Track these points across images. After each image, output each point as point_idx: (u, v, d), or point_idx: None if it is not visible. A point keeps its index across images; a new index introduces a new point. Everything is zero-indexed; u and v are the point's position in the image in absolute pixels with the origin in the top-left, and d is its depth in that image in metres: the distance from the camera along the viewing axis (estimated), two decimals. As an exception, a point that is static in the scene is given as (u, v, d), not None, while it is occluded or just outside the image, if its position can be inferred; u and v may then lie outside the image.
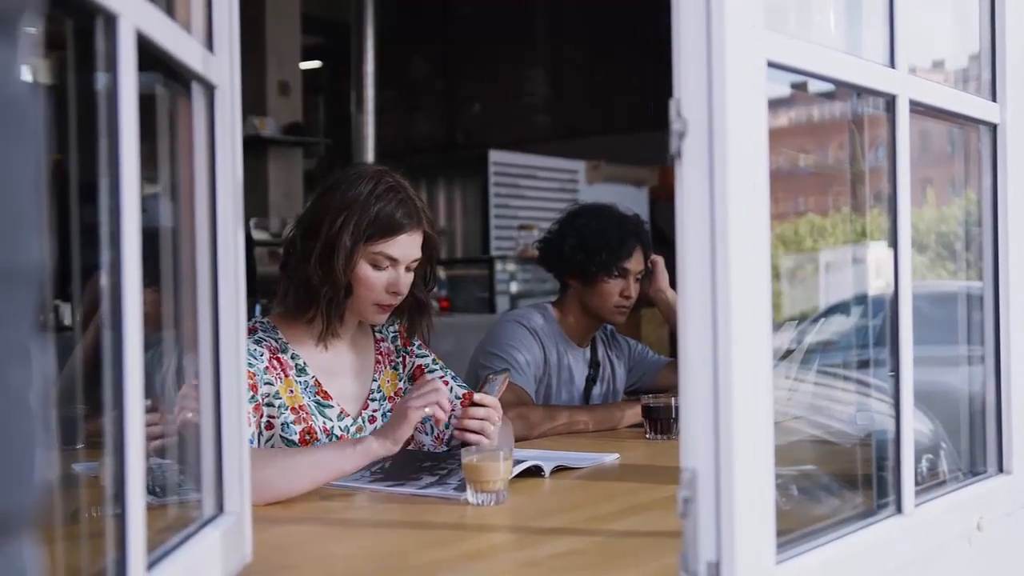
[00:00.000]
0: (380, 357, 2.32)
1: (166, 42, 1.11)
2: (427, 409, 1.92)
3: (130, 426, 0.98)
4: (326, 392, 2.18)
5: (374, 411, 2.26)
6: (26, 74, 0.57)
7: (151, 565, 1.06)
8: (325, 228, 2.10)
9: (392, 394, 2.31)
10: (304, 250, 2.13)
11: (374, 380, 2.29)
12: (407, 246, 2.15)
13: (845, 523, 1.40)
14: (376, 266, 2.14)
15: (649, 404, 2.61)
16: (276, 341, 2.16)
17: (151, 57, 1.08)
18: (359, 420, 2.22)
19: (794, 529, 1.30)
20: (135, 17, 0.99)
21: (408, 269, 2.18)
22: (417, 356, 2.37)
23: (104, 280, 0.98)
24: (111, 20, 0.96)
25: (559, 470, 2.12)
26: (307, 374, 2.17)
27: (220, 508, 1.33)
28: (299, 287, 2.15)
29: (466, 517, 1.75)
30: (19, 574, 0.56)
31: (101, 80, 0.98)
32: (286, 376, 2.13)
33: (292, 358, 2.17)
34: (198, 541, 1.22)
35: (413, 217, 2.15)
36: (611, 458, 2.28)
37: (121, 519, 0.97)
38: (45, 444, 0.58)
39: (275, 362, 2.12)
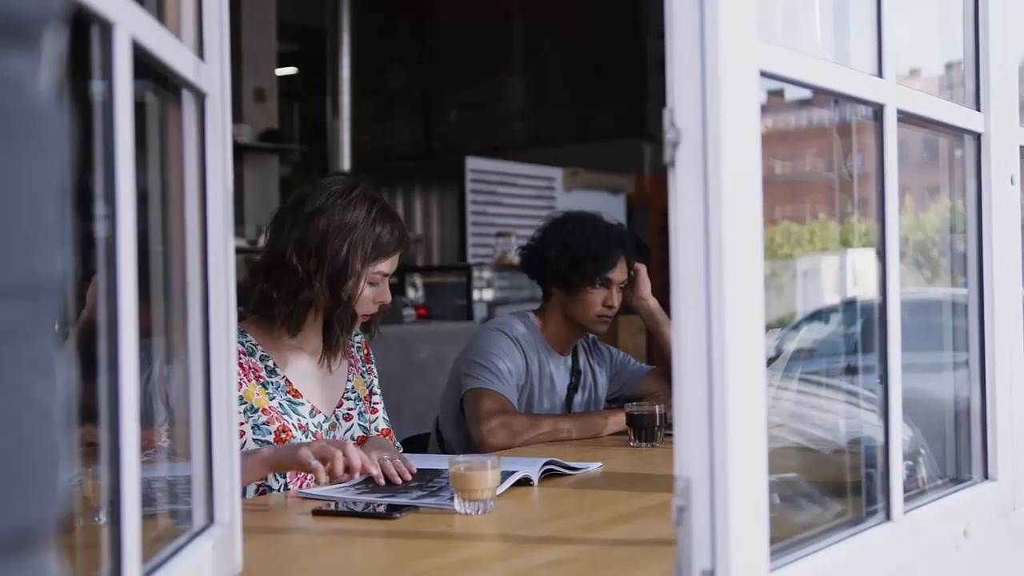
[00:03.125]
0: (352, 360, 2.41)
1: (160, 50, 1.10)
2: (313, 463, 1.90)
3: (125, 437, 0.97)
4: (296, 391, 2.24)
5: (349, 409, 2.35)
6: (48, 84, 0.57)
7: (145, 576, 1.05)
8: (329, 253, 2.17)
9: (364, 396, 2.40)
10: (306, 271, 2.17)
11: (348, 380, 2.37)
12: (396, 261, 2.29)
13: (836, 530, 1.40)
14: (372, 283, 2.25)
15: (633, 412, 2.61)
16: (243, 344, 2.20)
17: (142, 64, 1.08)
18: (332, 418, 2.30)
19: (786, 537, 1.30)
20: (131, 25, 0.99)
21: (390, 279, 2.30)
22: (373, 375, 2.46)
23: (100, 287, 0.97)
24: (107, 28, 0.95)
25: (548, 476, 2.12)
26: (278, 375, 2.23)
27: (211, 519, 1.32)
28: (300, 309, 2.20)
29: (454, 527, 1.75)
30: None
31: (96, 87, 0.98)
32: (249, 380, 2.18)
33: (261, 360, 2.22)
34: (190, 552, 1.21)
35: (405, 235, 2.29)
36: (595, 467, 2.29)
37: (116, 530, 0.96)
38: (67, 456, 0.58)
39: (238, 367, 2.13)
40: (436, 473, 2.12)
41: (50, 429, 0.56)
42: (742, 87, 1.17)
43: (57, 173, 0.56)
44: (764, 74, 1.22)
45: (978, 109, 1.76)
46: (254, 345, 2.22)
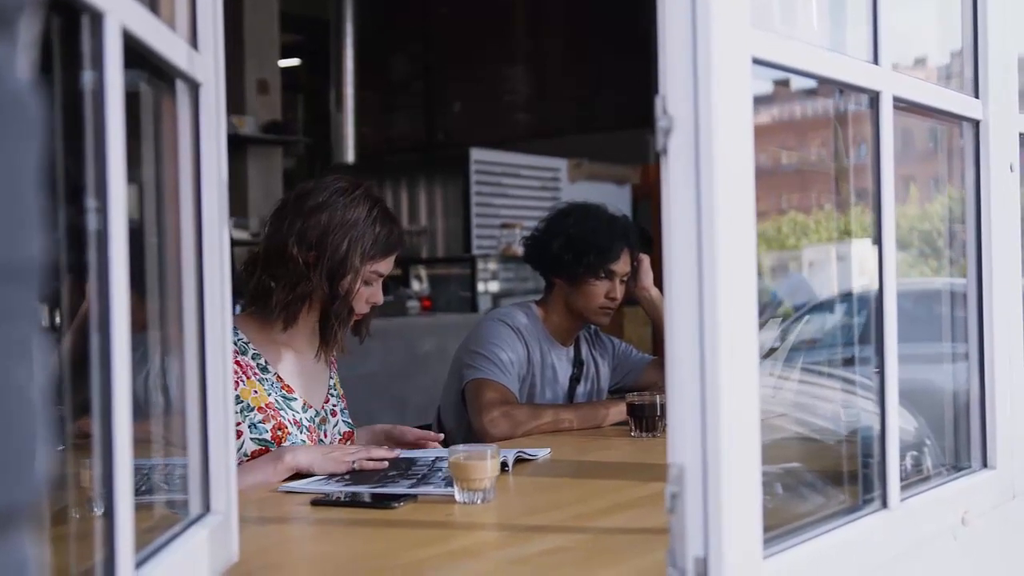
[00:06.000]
0: (333, 359, 2.43)
1: (152, 40, 1.10)
2: (355, 465, 2.08)
3: (118, 426, 0.97)
4: (289, 386, 2.27)
5: (333, 406, 2.39)
6: (25, 71, 0.57)
7: (139, 564, 1.05)
8: (329, 248, 2.19)
9: (342, 395, 2.44)
10: (305, 264, 2.19)
11: (331, 378, 2.41)
12: (392, 263, 2.31)
13: (831, 518, 1.40)
14: (367, 283, 2.26)
15: (634, 402, 2.61)
16: (235, 344, 2.21)
17: (135, 55, 1.08)
18: (322, 412, 2.33)
19: (781, 524, 1.30)
20: (121, 15, 0.99)
21: (384, 280, 2.33)
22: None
23: (91, 281, 0.97)
24: (97, 18, 0.95)
25: (519, 462, 2.17)
26: (269, 372, 2.25)
27: (207, 507, 1.32)
28: (297, 301, 2.22)
29: (453, 516, 1.75)
30: (21, 568, 0.56)
31: (86, 78, 0.98)
32: (248, 377, 2.20)
33: (253, 358, 2.24)
34: (185, 540, 1.21)
35: (402, 239, 2.31)
36: (544, 452, 2.31)
37: (109, 518, 0.97)
38: (47, 440, 0.58)
39: (235, 365, 2.16)
40: (412, 462, 2.14)
41: (28, 412, 0.56)
42: (735, 74, 1.16)
43: (34, 159, 0.57)
44: (757, 61, 1.22)
45: (977, 96, 1.76)
46: (245, 343, 2.24)
